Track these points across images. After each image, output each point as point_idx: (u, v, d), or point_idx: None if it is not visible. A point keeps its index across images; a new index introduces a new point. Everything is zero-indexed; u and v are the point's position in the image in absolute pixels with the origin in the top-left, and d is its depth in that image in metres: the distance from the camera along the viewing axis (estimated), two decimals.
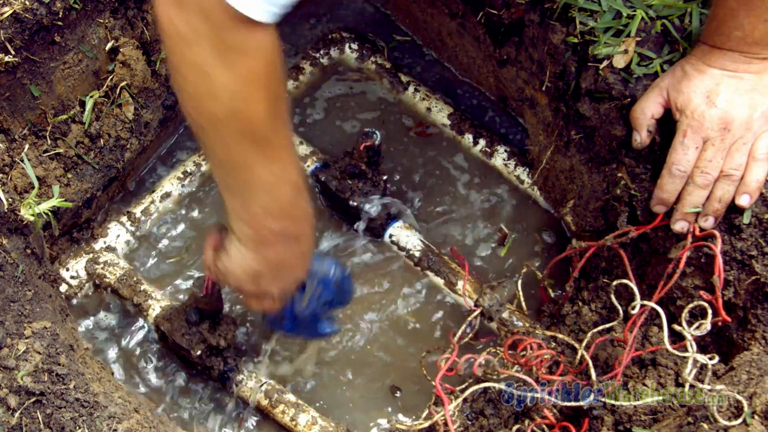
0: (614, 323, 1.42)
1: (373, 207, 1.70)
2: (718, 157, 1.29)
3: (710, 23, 1.30)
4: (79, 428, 1.23)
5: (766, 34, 1.24)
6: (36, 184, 1.46)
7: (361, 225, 1.72)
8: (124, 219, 1.73)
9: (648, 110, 1.35)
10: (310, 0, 1.99)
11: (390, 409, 1.62)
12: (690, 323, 1.31)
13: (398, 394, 1.63)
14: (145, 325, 1.64)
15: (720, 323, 1.33)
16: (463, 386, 1.42)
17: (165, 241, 1.74)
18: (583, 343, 1.38)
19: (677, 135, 1.32)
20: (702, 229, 1.35)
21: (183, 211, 1.77)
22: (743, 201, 1.31)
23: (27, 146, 1.51)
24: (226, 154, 1.13)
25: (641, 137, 1.38)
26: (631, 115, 1.38)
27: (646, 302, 1.34)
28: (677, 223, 1.36)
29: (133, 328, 1.65)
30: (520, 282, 1.62)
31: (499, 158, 1.81)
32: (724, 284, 1.34)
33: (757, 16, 1.23)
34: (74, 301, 1.66)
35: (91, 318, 1.66)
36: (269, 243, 1.22)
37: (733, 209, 1.33)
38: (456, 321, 1.66)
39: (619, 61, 1.41)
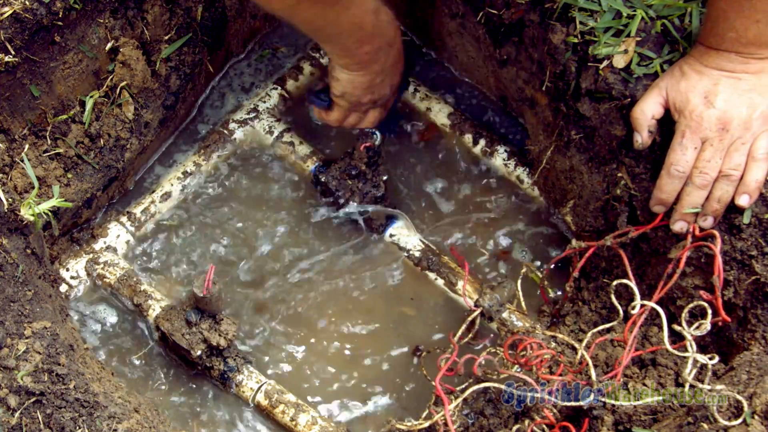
0: (614, 323, 1.42)
1: (355, 208, 1.71)
2: (717, 158, 1.29)
3: (705, 24, 1.30)
4: (79, 428, 1.23)
5: (759, 34, 1.24)
6: (36, 184, 1.46)
7: (349, 208, 1.73)
8: (124, 219, 1.73)
9: (648, 110, 1.35)
10: None
11: (390, 409, 1.62)
12: (690, 323, 1.31)
13: (419, 354, 1.64)
14: (145, 325, 1.64)
15: (720, 323, 1.33)
16: (463, 386, 1.42)
17: (165, 241, 1.75)
18: (583, 343, 1.38)
19: (676, 135, 1.32)
20: (701, 229, 1.35)
21: (182, 211, 1.77)
22: (743, 201, 1.31)
23: (27, 146, 1.52)
24: (312, 19, 1.42)
25: (642, 138, 1.37)
26: (631, 116, 1.38)
27: (645, 302, 1.34)
28: (676, 224, 1.36)
29: (133, 328, 1.65)
30: (520, 282, 1.62)
31: (499, 158, 1.81)
32: (724, 284, 1.34)
33: (746, 17, 1.23)
34: (74, 301, 1.66)
35: (91, 318, 1.66)
36: (370, 61, 1.54)
37: (733, 209, 1.34)
38: (456, 321, 1.66)
39: (619, 61, 1.41)
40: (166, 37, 1.65)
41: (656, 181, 1.36)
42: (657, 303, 1.34)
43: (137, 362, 1.63)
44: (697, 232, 1.35)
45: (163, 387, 1.61)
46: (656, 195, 1.37)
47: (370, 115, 1.71)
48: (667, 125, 1.37)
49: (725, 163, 1.29)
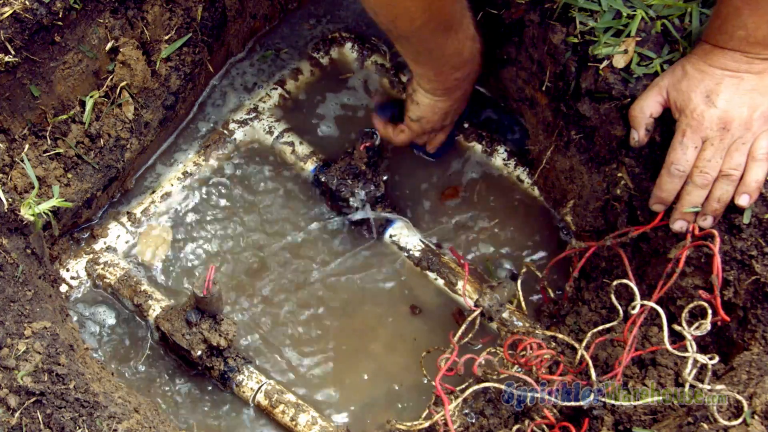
0: (614, 323, 1.42)
1: (357, 209, 1.71)
2: (717, 157, 1.29)
3: (713, 22, 1.30)
4: (79, 428, 1.23)
5: None
6: (36, 184, 1.46)
7: (356, 215, 1.73)
8: (124, 219, 1.73)
9: (647, 109, 1.35)
10: (310, 0, 1.99)
11: (390, 409, 1.62)
12: (690, 323, 1.31)
13: (418, 312, 1.68)
14: (146, 325, 1.64)
15: (719, 323, 1.33)
16: (463, 386, 1.42)
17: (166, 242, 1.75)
18: (583, 343, 1.38)
19: (676, 134, 1.32)
20: (701, 229, 1.35)
21: (182, 213, 1.77)
22: (743, 201, 1.31)
23: (27, 146, 1.51)
24: (422, 42, 1.44)
25: (639, 136, 1.38)
26: (629, 114, 1.38)
27: (645, 302, 1.34)
28: (676, 223, 1.36)
29: (133, 328, 1.65)
30: (520, 282, 1.62)
31: (499, 158, 1.81)
32: (724, 284, 1.34)
33: (760, 15, 1.22)
34: (74, 302, 1.66)
35: (91, 318, 1.66)
36: (455, 87, 1.60)
37: (733, 209, 1.33)
38: (456, 321, 1.66)
39: (619, 61, 1.41)
40: (166, 37, 1.65)
41: (656, 180, 1.36)
42: (657, 303, 1.34)
43: (137, 363, 1.63)
44: (696, 232, 1.35)
45: (163, 387, 1.61)
46: (656, 194, 1.37)
47: (436, 140, 1.76)
48: (666, 124, 1.37)
49: (725, 163, 1.29)
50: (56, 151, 1.56)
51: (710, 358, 1.27)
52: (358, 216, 1.72)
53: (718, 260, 1.31)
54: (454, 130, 1.78)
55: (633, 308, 1.35)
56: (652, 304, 1.33)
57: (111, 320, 1.66)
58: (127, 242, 1.72)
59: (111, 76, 1.60)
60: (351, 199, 1.71)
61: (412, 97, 1.64)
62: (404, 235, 1.74)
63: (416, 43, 1.46)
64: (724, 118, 1.28)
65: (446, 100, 1.62)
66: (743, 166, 1.29)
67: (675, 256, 1.37)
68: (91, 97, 1.59)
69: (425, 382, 1.58)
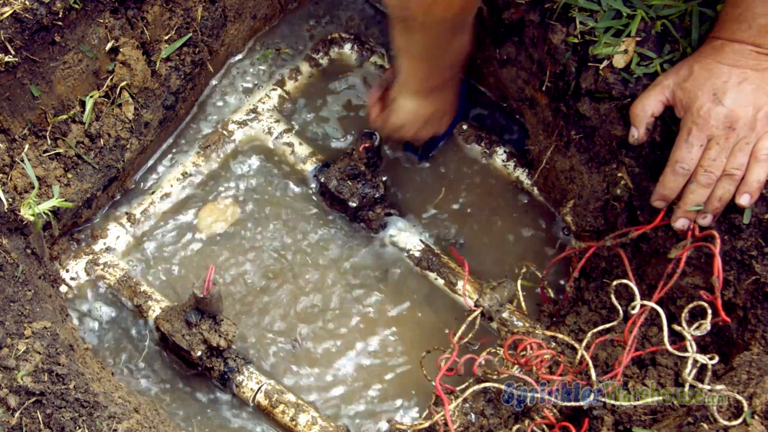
0: (614, 323, 1.42)
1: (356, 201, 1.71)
2: (722, 157, 1.29)
3: (729, 13, 1.29)
4: (79, 428, 1.23)
5: None
6: (36, 184, 1.46)
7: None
8: (123, 220, 1.73)
9: (648, 108, 1.35)
10: (310, 0, 1.99)
11: (390, 409, 1.62)
12: (690, 323, 1.31)
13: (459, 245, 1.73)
14: (145, 326, 1.64)
15: (720, 323, 1.33)
16: (463, 386, 1.42)
17: (166, 242, 1.74)
18: (583, 343, 1.38)
19: (681, 132, 1.32)
20: (701, 228, 1.35)
21: (183, 212, 1.77)
22: (743, 201, 1.31)
23: (27, 146, 1.51)
24: (439, 34, 1.44)
25: (639, 134, 1.38)
26: (631, 111, 1.38)
27: (646, 302, 1.34)
28: (678, 221, 1.36)
29: (133, 328, 1.65)
30: (519, 282, 1.62)
31: (499, 159, 1.81)
32: (724, 284, 1.34)
33: None
34: (73, 302, 1.66)
35: (91, 318, 1.66)
36: (440, 89, 1.60)
37: (733, 209, 1.34)
38: (456, 321, 1.66)
39: (619, 61, 1.41)
40: (166, 37, 1.65)
41: (659, 177, 1.36)
42: (657, 303, 1.34)
43: (137, 363, 1.63)
44: (696, 232, 1.35)
45: (163, 387, 1.61)
46: (658, 191, 1.37)
47: (423, 139, 1.76)
48: (666, 124, 1.37)
49: (729, 163, 1.29)
50: (56, 151, 1.56)
51: (710, 358, 1.27)
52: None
53: (718, 261, 1.31)
54: (443, 135, 1.79)
55: (633, 308, 1.35)
56: (651, 304, 1.33)
57: (110, 320, 1.66)
58: (127, 243, 1.72)
59: (111, 76, 1.61)
60: (351, 199, 1.71)
61: (393, 105, 1.63)
62: (404, 235, 1.74)
63: (433, 35, 1.45)
64: (730, 116, 1.27)
65: (427, 104, 1.62)
66: (745, 166, 1.29)
67: (675, 257, 1.37)
68: (91, 97, 1.59)
69: (425, 382, 1.58)
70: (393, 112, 1.65)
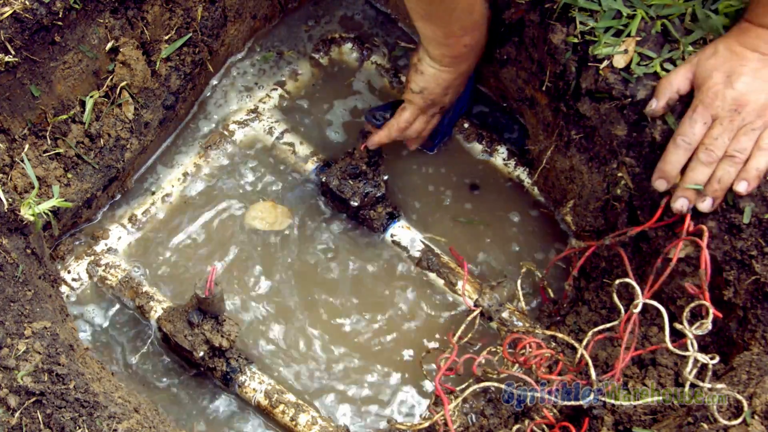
0: (615, 323, 1.42)
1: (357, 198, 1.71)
2: (725, 137, 1.29)
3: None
4: (79, 428, 1.23)
5: None
6: (36, 184, 1.46)
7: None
8: (125, 220, 1.73)
9: (675, 82, 1.35)
10: (310, 0, 1.99)
11: (390, 409, 1.62)
12: (691, 323, 1.31)
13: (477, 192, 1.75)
14: (147, 326, 1.64)
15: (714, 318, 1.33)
16: (463, 386, 1.42)
17: (167, 242, 1.75)
18: (583, 343, 1.38)
19: (689, 110, 1.32)
20: (700, 213, 1.34)
21: (183, 213, 1.77)
22: (741, 187, 1.30)
23: (27, 146, 1.52)
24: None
25: (657, 104, 1.37)
26: (658, 85, 1.38)
27: (648, 300, 1.34)
28: (678, 201, 1.35)
29: (134, 329, 1.65)
30: (519, 282, 1.62)
31: (499, 158, 1.81)
32: (724, 284, 1.34)
33: None
34: (74, 303, 1.66)
35: (92, 319, 1.66)
36: (462, 57, 1.59)
37: (733, 209, 1.33)
38: (456, 321, 1.66)
39: (619, 61, 1.41)
40: (166, 37, 1.65)
41: (661, 155, 1.36)
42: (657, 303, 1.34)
43: (138, 363, 1.63)
44: (690, 229, 1.34)
45: (164, 387, 1.61)
46: (660, 166, 1.36)
47: (433, 123, 1.75)
48: (666, 124, 1.37)
49: (732, 144, 1.29)
50: (56, 151, 1.56)
51: (711, 358, 1.27)
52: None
53: (706, 254, 1.30)
54: (449, 121, 1.78)
55: (635, 307, 1.34)
56: (647, 300, 1.33)
57: (111, 321, 1.66)
58: (128, 243, 1.72)
59: (111, 76, 1.61)
60: (352, 198, 1.71)
61: (417, 67, 1.63)
62: (405, 234, 1.74)
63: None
64: (738, 100, 1.27)
65: (451, 71, 1.61)
66: (749, 151, 1.29)
67: (668, 252, 1.37)
68: (91, 97, 1.59)
69: (425, 382, 1.58)
70: (415, 77, 1.64)
